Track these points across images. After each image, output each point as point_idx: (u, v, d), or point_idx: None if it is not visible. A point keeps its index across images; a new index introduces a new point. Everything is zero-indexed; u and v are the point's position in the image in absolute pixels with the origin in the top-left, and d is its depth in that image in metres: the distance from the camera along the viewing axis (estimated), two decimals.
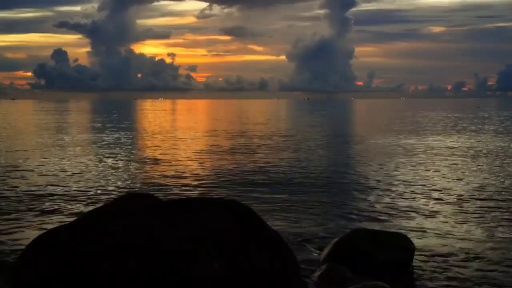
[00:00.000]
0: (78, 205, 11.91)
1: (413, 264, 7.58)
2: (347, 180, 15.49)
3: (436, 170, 17.16)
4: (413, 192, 13.34)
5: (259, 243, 5.38)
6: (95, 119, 61.59)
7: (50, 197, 12.75)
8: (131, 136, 33.95)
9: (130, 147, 26.29)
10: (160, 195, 12.04)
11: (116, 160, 20.26)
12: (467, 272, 7.37)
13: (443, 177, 15.80)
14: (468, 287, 6.90)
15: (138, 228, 5.27)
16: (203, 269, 5.01)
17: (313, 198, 12.65)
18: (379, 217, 10.71)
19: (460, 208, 11.45)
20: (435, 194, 12.99)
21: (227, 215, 5.51)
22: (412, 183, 14.64)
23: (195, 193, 13.50)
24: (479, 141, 28.08)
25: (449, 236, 9.23)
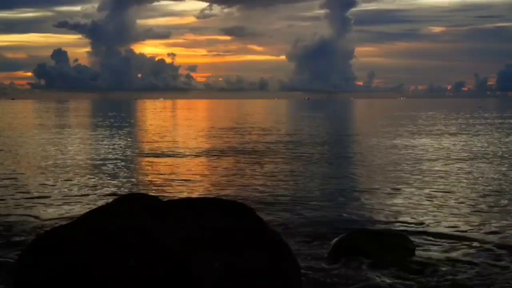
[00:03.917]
0: (78, 205, 11.91)
1: (413, 264, 7.57)
2: (347, 180, 15.49)
3: (437, 171, 17.15)
4: (413, 192, 13.33)
5: (259, 244, 5.37)
6: (95, 119, 61.59)
7: (50, 197, 12.75)
8: (131, 136, 33.95)
9: (130, 147, 26.29)
10: (160, 195, 12.06)
11: (116, 160, 20.26)
12: (468, 273, 7.36)
13: (444, 177, 15.79)
14: (469, 287, 6.89)
15: (138, 228, 5.27)
16: (203, 269, 5.01)
17: (313, 199, 12.64)
18: (379, 217, 10.71)
19: (461, 209, 11.44)
20: (436, 195, 12.98)
21: (227, 215, 5.51)
22: (412, 183, 14.63)
23: (195, 193, 13.50)
24: (480, 143, 28.08)
25: (450, 236, 9.22)
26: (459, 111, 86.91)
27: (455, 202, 12.07)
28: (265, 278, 5.18)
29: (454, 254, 8.16)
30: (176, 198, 9.77)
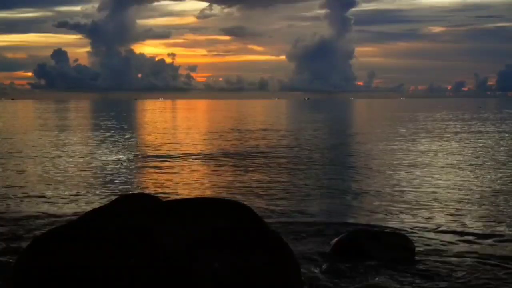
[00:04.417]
0: (78, 205, 11.91)
1: (413, 264, 7.57)
2: (347, 180, 15.49)
3: (437, 170, 17.15)
4: (413, 192, 13.33)
5: (259, 243, 5.38)
6: (95, 119, 61.59)
7: (50, 197, 12.74)
8: (131, 136, 33.95)
9: (130, 147, 26.28)
10: (160, 195, 12.05)
11: (117, 161, 20.26)
12: (468, 272, 7.36)
13: (444, 177, 15.78)
14: (468, 287, 6.89)
15: (138, 228, 5.27)
16: (203, 268, 5.01)
17: (313, 199, 12.65)
18: (379, 217, 10.71)
19: (461, 208, 11.44)
20: (436, 194, 12.98)
21: (227, 215, 5.51)
22: (412, 183, 14.62)
23: (195, 193, 13.50)
24: (481, 143, 28.08)
25: (450, 236, 9.22)
26: (459, 111, 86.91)
27: (455, 202, 12.06)
28: (265, 278, 5.18)
29: (454, 254, 8.16)
30: (176, 198, 9.78)
